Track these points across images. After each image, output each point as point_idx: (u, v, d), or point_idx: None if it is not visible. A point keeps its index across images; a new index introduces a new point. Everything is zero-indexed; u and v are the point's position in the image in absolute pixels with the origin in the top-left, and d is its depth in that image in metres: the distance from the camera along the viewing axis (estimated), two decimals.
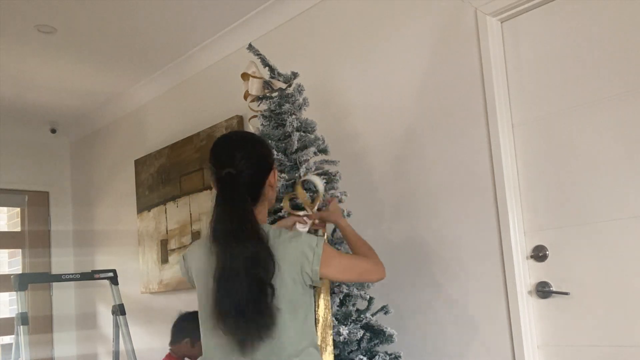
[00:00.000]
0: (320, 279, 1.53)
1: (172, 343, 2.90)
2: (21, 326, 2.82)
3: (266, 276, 1.43)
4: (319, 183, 1.90)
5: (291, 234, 1.54)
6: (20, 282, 2.87)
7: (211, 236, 1.48)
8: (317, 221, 1.84)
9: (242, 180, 1.51)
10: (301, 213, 1.84)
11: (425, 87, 2.43)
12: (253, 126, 2.26)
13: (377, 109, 2.61)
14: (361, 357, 1.96)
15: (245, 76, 2.15)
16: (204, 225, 3.50)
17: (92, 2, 2.92)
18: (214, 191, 1.57)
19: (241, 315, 1.41)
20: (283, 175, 2.07)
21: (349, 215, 2.11)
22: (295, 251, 1.49)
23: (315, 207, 1.85)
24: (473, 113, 2.26)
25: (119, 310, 3.17)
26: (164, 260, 3.82)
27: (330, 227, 2.06)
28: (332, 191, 2.13)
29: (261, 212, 1.59)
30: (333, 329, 1.91)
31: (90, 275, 3.19)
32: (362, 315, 2.04)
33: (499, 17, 2.21)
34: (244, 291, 1.40)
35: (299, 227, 1.77)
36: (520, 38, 2.19)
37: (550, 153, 2.09)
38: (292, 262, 1.49)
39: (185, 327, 2.87)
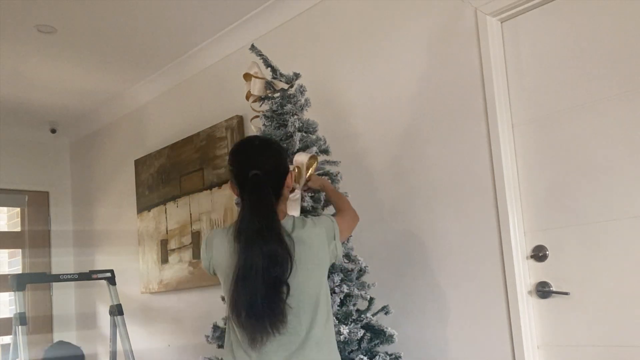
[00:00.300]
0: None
1: None
2: (19, 326, 2.82)
3: (283, 275, 1.52)
4: (304, 159, 2.00)
5: (313, 220, 1.69)
6: (18, 283, 2.87)
7: (236, 235, 1.57)
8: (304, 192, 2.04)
9: (267, 181, 1.62)
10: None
11: (425, 87, 2.43)
12: (255, 126, 2.26)
13: (377, 109, 2.61)
14: (361, 357, 1.96)
15: (247, 76, 2.16)
16: (204, 226, 3.50)
17: (92, 2, 2.92)
18: (225, 189, 1.69)
19: (254, 313, 1.50)
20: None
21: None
22: (322, 231, 1.67)
23: (301, 181, 1.99)
24: (473, 113, 2.26)
25: (117, 310, 3.18)
26: (164, 260, 3.81)
27: None
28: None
29: (282, 210, 1.71)
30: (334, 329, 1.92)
31: (88, 276, 3.20)
32: (362, 315, 2.04)
33: (499, 17, 2.21)
34: (261, 288, 1.49)
35: (290, 196, 1.91)
36: (520, 38, 2.19)
37: (550, 153, 2.09)
38: (321, 242, 1.65)
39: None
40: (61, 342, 3.23)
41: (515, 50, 2.20)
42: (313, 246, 1.63)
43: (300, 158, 1.98)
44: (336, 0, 2.81)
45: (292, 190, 1.90)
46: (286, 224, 1.63)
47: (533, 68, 2.15)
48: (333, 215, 1.88)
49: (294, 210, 1.86)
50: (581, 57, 2.02)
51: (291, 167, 1.98)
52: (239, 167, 1.67)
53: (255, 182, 1.60)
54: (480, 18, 2.23)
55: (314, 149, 2.12)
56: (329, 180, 2.14)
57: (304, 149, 2.10)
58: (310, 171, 1.98)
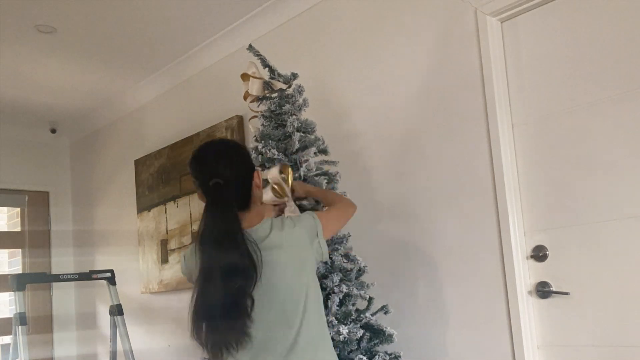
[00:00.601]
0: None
1: None
2: (19, 326, 2.82)
3: (246, 287, 1.47)
4: (276, 173, 1.99)
5: (292, 220, 1.64)
6: (18, 283, 2.87)
7: (198, 243, 1.53)
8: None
9: (229, 189, 1.56)
10: (280, 201, 1.99)
11: (425, 87, 2.42)
12: (253, 126, 2.26)
13: (376, 109, 2.61)
14: (361, 356, 1.96)
15: (245, 77, 2.15)
16: None
17: (92, 2, 2.92)
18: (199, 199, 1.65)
19: (213, 326, 1.45)
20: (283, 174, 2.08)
21: None
22: (302, 231, 1.61)
23: (288, 193, 1.98)
24: (473, 113, 2.25)
25: (117, 310, 3.18)
26: (164, 260, 3.81)
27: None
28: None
29: (258, 213, 1.64)
30: (333, 328, 1.92)
31: (88, 276, 3.20)
32: (362, 315, 2.04)
33: (499, 17, 2.21)
34: (217, 298, 1.44)
35: (287, 211, 1.93)
36: (520, 38, 2.19)
37: (550, 153, 2.09)
38: (302, 242, 1.60)
39: None
40: None
41: (515, 50, 2.20)
42: (292, 248, 1.58)
43: (273, 173, 1.97)
44: (336, 0, 2.81)
45: (278, 202, 1.92)
46: (261, 228, 1.59)
47: (533, 68, 2.15)
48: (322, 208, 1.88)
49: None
50: (581, 57, 2.02)
51: (269, 183, 1.98)
52: (200, 177, 1.60)
53: (215, 191, 1.54)
54: (480, 18, 2.23)
55: (312, 149, 2.12)
56: (326, 179, 2.13)
57: (302, 148, 2.10)
58: (290, 180, 1.97)
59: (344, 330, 1.92)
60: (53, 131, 4.81)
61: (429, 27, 2.41)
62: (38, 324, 4.59)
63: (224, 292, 1.44)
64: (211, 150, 1.65)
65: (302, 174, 2.06)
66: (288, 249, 1.57)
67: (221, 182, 1.55)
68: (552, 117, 2.09)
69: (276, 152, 2.05)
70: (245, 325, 1.46)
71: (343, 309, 2.00)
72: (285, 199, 1.94)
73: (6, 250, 5.00)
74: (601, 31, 1.98)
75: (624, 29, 1.93)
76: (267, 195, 2.01)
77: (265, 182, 2.05)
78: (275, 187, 1.97)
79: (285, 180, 1.97)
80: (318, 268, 2.00)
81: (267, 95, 2.15)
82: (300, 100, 2.16)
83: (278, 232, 1.58)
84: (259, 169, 1.85)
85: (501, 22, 2.23)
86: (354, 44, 2.73)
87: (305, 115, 2.20)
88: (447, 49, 2.35)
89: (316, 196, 1.99)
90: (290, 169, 1.98)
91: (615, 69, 1.94)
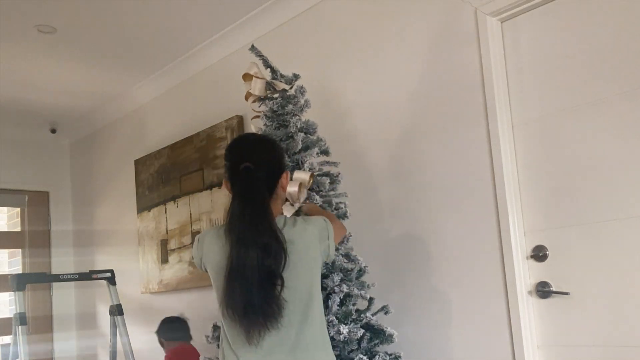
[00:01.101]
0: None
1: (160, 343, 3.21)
2: (19, 326, 2.82)
3: (277, 268, 1.50)
4: (305, 177, 1.99)
5: (304, 220, 1.66)
6: (18, 283, 2.87)
7: (228, 229, 1.55)
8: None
9: (259, 175, 1.59)
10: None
11: (425, 87, 2.43)
12: (255, 126, 2.26)
13: (377, 109, 2.61)
14: (361, 356, 1.96)
15: (247, 77, 2.15)
16: (204, 225, 3.50)
17: (92, 2, 2.92)
18: (224, 188, 1.67)
19: (250, 306, 1.47)
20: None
21: (349, 216, 2.13)
22: (314, 229, 1.63)
23: (301, 199, 1.97)
24: (473, 113, 2.26)
25: (117, 310, 3.18)
26: (164, 260, 3.81)
27: None
28: (331, 192, 2.15)
29: (276, 208, 1.67)
30: (333, 328, 1.92)
31: (88, 276, 3.19)
32: (362, 315, 2.04)
33: (499, 17, 2.21)
34: (254, 282, 1.47)
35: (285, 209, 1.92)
36: (520, 38, 2.19)
37: (550, 153, 2.09)
38: (312, 240, 1.61)
39: (161, 328, 3.20)
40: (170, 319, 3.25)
41: (515, 50, 2.20)
42: (302, 245, 1.59)
43: (301, 175, 1.98)
44: (336, 0, 2.81)
45: (286, 201, 1.90)
46: (278, 222, 1.60)
47: (533, 68, 2.15)
48: None
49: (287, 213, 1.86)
50: (581, 57, 2.02)
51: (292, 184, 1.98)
52: (232, 161, 1.64)
53: (246, 174, 1.58)
54: (480, 18, 2.23)
55: (315, 150, 2.12)
56: (329, 180, 2.14)
57: (304, 149, 2.10)
58: (309, 185, 1.99)
59: (344, 329, 1.92)
60: (53, 131, 4.81)
61: (429, 27, 2.41)
62: (38, 324, 4.58)
63: (258, 274, 1.47)
64: (251, 137, 1.78)
65: (306, 169, 2.06)
66: (299, 246, 1.58)
67: (252, 167, 1.58)
68: (552, 117, 2.09)
69: None
70: (279, 304, 1.48)
71: (343, 308, 2.00)
72: (296, 204, 1.94)
73: (6, 250, 5.00)
74: (601, 31, 1.98)
75: (624, 28, 1.93)
76: (293, 189, 2.00)
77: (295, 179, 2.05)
78: (297, 189, 1.97)
79: (305, 188, 1.97)
80: None
81: (269, 95, 2.15)
82: (302, 101, 2.16)
83: (290, 228, 1.60)
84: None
85: (501, 22, 2.23)
86: (354, 44, 2.73)
87: (306, 115, 2.20)
88: (447, 49, 2.35)
89: (317, 213, 1.96)
90: (312, 180, 1.99)
91: (615, 68, 1.94)
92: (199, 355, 2.49)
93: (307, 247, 1.60)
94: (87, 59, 3.59)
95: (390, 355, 2.03)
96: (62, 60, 3.57)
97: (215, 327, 2.17)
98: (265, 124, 2.15)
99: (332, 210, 2.13)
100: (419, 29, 2.45)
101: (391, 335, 2.04)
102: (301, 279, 1.58)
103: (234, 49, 3.35)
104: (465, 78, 2.28)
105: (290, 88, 2.15)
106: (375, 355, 2.02)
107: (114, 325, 3.21)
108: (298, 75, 2.16)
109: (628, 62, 1.92)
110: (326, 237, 1.66)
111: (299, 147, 2.07)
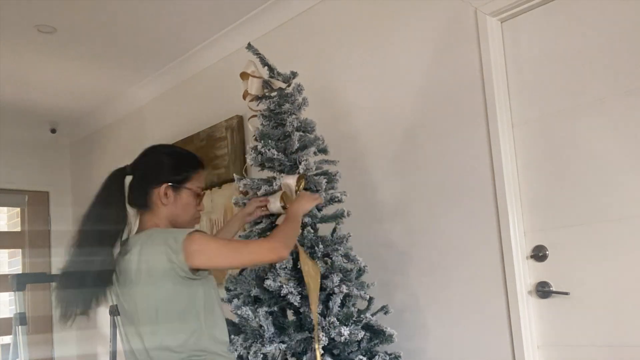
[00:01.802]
0: (198, 270, 1.62)
1: None
2: (19, 326, 2.82)
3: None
4: (291, 182, 2.02)
5: (161, 235, 1.64)
6: (18, 283, 2.87)
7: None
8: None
9: (122, 178, 1.79)
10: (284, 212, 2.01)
11: (425, 87, 2.42)
12: (252, 126, 2.25)
13: (376, 109, 2.61)
14: (361, 357, 1.95)
15: (244, 75, 2.15)
16: (204, 225, 3.50)
17: (92, 2, 2.92)
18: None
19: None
20: (282, 174, 2.07)
21: (348, 215, 2.12)
22: (160, 248, 1.61)
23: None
24: (473, 113, 2.25)
25: (117, 310, 3.17)
26: None
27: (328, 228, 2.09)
28: (331, 191, 2.15)
29: (150, 221, 1.73)
30: (334, 329, 1.91)
31: None
32: (362, 315, 2.04)
33: (499, 17, 2.21)
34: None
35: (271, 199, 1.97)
36: (520, 38, 2.19)
37: (550, 153, 2.09)
38: (158, 259, 1.61)
39: None
40: None
41: (515, 50, 2.20)
42: (143, 262, 1.65)
43: (288, 181, 1.99)
44: (336, 0, 2.81)
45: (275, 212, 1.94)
46: (138, 235, 1.68)
47: (533, 68, 2.15)
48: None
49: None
50: (581, 56, 2.02)
51: (279, 191, 1.99)
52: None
53: (115, 176, 1.79)
54: (480, 18, 2.23)
55: (312, 148, 2.11)
56: (326, 179, 2.13)
57: (302, 148, 2.10)
58: (300, 191, 1.99)
59: (345, 331, 1.91)
60: (53, 131, 4.81)
61: (429, 27, 2.41)
62: (38, 324, 4.58)
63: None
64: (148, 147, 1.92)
65: (300, 171, 2.05)
66: (139, 263, 1.66)
67: (126, 169, 1.83)
68: (552, 117, 2.09)
69: (275, 152, 2.04)
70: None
71: (345, 310, 1.99)
72: (288, 207, 1.95)
73: (6, 250, 5.00)
74: (601, 31, 1.98)
75: (624, 28, 1.93)
76: (275, 205, 2.00)
77: (277, 189, 2.04)
78: (285, 194, 1.97)
79: (295, 192, 1.97)
80: None
81: (267, 94, 2.15)
82: (300, 99, 2.15)
83: (143, 241, 1.65)
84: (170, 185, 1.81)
85: (501, 22, 2.23)
86: (353, 44, 2.73)
87: (304, 114, 2.19)
88: (447, 49, 2.35)
89: (283, 221, 1.85)
90: (303, 182, 1.99)
91: (615, 68, 1.94)
92: None
93: (153, 260, 1.64)
94: (87, 59, 3.59)
95: (390, 355, 2.03)
96: (61, 60, 3.57)
97: None
98: (262, 124, 2.14)
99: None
100: (419, 29, 2.45)
101: (391, 335, 2.04)
102: (144, 295, 1.75)
103: (234, 49, 3.35)
104: (465, 78, 2.28)
105: (288, 86, 2.14)
106: (375, 355, 2.01)
107: (114, 326, 3.21)
108: (296, 73, 2.15)
109: (628, 62, 1.92)
110: (174, 252, 1.60)
111: (296, 146, 2.07)
